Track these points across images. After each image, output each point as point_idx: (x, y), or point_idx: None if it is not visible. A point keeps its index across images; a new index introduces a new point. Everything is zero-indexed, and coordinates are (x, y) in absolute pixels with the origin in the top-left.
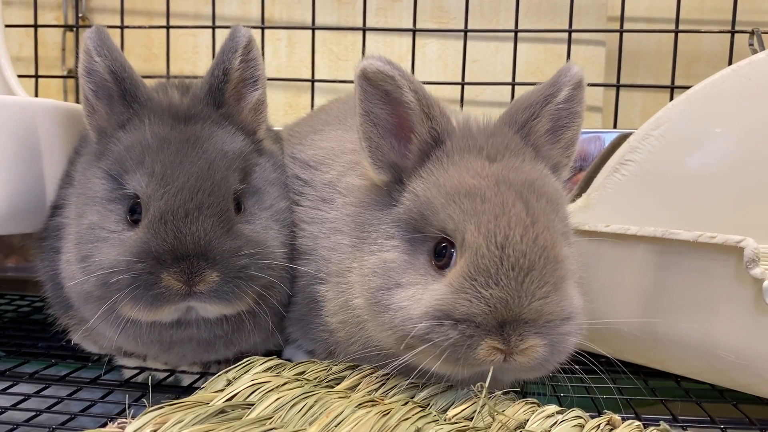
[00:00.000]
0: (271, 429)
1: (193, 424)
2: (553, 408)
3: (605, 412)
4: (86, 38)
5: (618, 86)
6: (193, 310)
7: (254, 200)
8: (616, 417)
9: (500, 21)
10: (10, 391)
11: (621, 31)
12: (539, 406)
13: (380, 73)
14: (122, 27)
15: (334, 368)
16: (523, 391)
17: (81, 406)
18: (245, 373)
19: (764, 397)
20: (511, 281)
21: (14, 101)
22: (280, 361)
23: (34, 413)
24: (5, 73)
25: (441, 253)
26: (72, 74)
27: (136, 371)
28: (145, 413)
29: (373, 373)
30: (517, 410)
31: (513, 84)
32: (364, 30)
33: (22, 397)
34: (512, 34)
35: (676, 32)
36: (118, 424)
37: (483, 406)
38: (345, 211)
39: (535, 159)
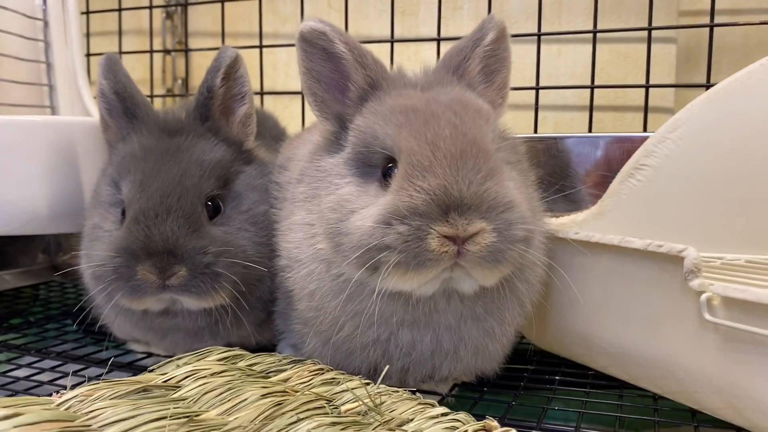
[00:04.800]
0: (185, 409)
1: (112, 398)
2: (440, 410)
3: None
4: (99, 64)
5: (675, 86)
6: (178, 302)
7: (233, 204)
8: (493, 423)
9: (562, 23)
10: (36, 365)
11: (678, 28)
12: (433, 406)
13: (314, 31)
14: (186, 51)
15: (283, 360)
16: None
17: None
18: (198, 360)
19: (736, 424)
20: (446, 168)
21: (55, 120)
22: (240, 352)
23: (36, 384)
24: (84, 95)
25: (388, 174)
26: (170, 93)
27: (144, 355)
28: (82, 386)
29: (309, 367)
30: (405, 409)
31: (592, 87)
32: (391, 42)
33: (37, 371)
34: (573, 35)
35: (711, 26)
36: (59, 393)
37: (373, 405)
38: (295, 189)
39: (466, 90)
